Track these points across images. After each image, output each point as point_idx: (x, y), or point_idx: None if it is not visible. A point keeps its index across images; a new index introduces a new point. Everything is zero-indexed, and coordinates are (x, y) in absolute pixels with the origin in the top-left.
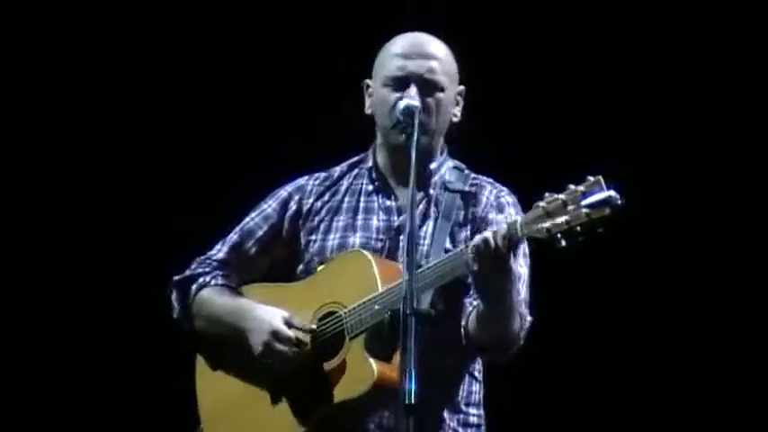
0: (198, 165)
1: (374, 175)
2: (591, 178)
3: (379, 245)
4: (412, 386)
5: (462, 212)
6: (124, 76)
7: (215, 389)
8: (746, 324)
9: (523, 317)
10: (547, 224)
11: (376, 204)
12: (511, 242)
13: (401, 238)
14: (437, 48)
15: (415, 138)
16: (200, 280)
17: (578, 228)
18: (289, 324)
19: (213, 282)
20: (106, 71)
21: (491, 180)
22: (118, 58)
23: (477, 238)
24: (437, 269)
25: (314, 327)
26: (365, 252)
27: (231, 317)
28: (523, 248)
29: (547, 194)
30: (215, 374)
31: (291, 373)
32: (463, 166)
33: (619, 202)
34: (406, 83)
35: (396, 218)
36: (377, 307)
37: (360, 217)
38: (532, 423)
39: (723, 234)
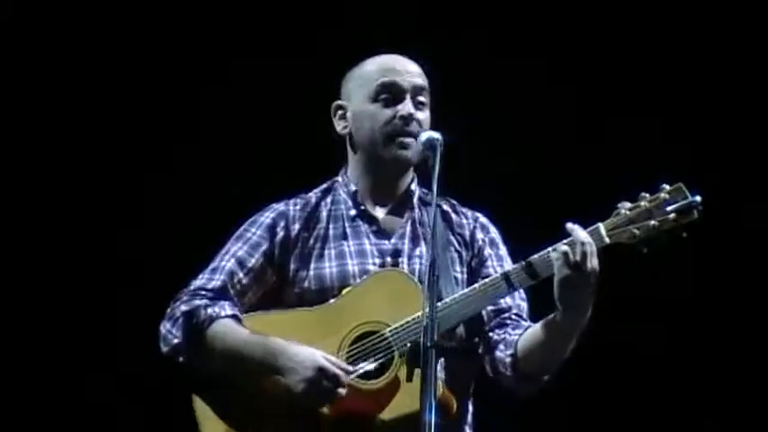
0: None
1: (359, 198)
2: (666, 186)
3: (378, 268)
4: (432, 418)
5: (447, 230)
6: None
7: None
8: None
9: None
10: (634, 229)
11: (363, 229)
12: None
13: (400, 260)
14: (418, 67)
15: (437, 171)
16: (210, 311)
17: (665, 233)
18: (330, 361)
19: (223, 312)
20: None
21: (451, 200)
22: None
23: (560, 246)
24: (471, 299)
25: (351, 369)
26: (402, 271)
27: (256, 354)
28: None
29: (623, 203)
30: (226, 413)
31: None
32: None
33: (701, 207)
34: (399, 96)
35: (386, 240)
36: None
37: (351, 243)
38: None
39: None
